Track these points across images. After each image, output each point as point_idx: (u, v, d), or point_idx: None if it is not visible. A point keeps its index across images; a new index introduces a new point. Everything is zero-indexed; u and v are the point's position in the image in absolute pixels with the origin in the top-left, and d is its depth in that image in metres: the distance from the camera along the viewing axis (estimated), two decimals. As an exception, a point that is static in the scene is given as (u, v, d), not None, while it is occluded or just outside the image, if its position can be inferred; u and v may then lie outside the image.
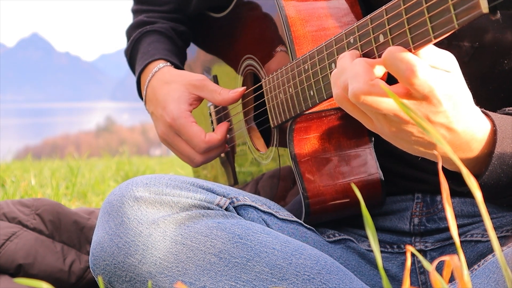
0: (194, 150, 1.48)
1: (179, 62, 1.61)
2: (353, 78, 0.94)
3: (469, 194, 1.25)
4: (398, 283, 1.34)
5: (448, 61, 0.93)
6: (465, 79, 0.96)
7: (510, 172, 1.04)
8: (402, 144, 1.00)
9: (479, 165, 1.04)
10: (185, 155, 1.50)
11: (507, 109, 1.15)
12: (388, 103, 0.92)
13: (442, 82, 0.91)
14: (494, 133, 1.01)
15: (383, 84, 0.91)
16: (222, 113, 1.63)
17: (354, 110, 0.99)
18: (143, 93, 1.58)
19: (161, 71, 1.54)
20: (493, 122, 1.02)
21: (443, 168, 0.83)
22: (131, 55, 1.66)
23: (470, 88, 0.97)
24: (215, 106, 1.65)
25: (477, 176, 1.05)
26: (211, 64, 1.70)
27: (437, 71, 0.91)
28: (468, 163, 1.03)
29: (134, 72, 1.65)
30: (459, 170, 1.04)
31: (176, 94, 1.48)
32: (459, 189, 1.07)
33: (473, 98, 0.99)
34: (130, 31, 1.68)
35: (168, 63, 1.56)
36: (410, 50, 0.91)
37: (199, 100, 1.51)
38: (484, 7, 0.80)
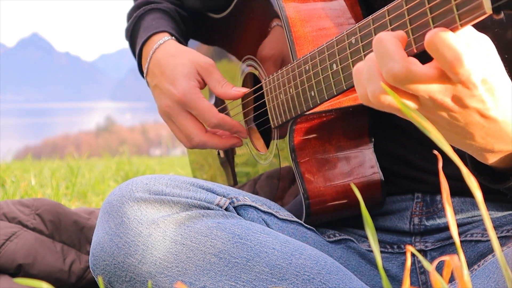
0: (200, 127, 1.45)
1: (183, 42, 1.56)
2: (386, 57, 0.86)
3: (467, 192, 1.24)
4: (398, 283, 1.34)
5: (485, 43, 0.88)
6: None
7: None
8: (440, 131, 0.93)
9: None
10: (188, 131, 1.46)
11: None
12: (427, 83, 0.85)
13: (480, 66, 0.85)
14: None
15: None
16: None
17: (385, 108, 0.92)
18: (145, 65, 1.52)
19: (167, 44, 1.50)
20: None
21: (443, 168, 0.81)
22: (133, 32, 1.59)
23: None
24: (215, 106, 1.65)
25: None
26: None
27: (478, 55, 0.85)
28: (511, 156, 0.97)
29: (134, 50, 1.59)
30: (496, 163, 0.99)
31: (185, 70, 1.45)
32: (493, 186, 1.03)
33: None
34: (131, 12, 1.62)
35: (173, 38, 1.52)
36: (412, 51, 0.90)
37: (203, 83, 1.48)
38: (488, 8, 0.79)
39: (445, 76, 0.85)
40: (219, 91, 1.44)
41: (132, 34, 1.60)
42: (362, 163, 1.33)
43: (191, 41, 1.73)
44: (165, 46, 1.49)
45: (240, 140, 1.49)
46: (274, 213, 1.31)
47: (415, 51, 0.90)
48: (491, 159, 0.98)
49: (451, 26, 0.84)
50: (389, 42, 0.87)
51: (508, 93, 0.89)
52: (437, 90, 0.86)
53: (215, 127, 1.44)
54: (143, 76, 1.56)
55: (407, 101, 0.89)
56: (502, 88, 0.88)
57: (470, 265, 1.26)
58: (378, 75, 0.88)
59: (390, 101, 0.88)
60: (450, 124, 0.91)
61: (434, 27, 0.86)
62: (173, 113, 1.46)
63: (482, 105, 0.87)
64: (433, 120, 0.91)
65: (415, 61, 0.86)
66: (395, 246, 1.36)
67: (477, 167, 1.05)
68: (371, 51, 0.99)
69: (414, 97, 0.88)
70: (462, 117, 0.89)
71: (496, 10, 0.79)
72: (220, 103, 1.62)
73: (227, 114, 1.60)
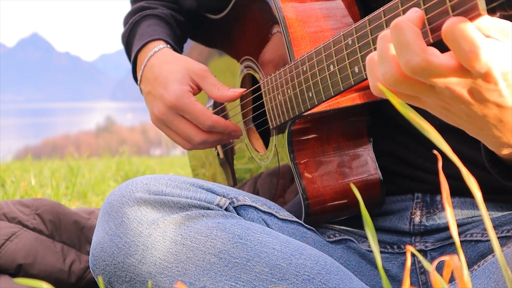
0: (197, 128, 1.46)
1: (178, 50, 1.58)
2: (405, 47, 0.83)
3: (467, 192, 1.24)
4: (398, 283, 1.34)
5: (507, 29, 0.84)
6: None
7: None
8: (455, 120, 0.92)
9: None
10: (185, 134, 1.47)
11: None
12: (446, 75, 0.83)
13: (500, 59, 0.82)
14: None
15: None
16: (220, 114, 1.63)
17: (397, 94, 0.89)
18: (139, 73, 1.53)
19: (161, 51, 1.51)
20: None
21: (443, 168, 0.81)
22: (129, 37, 1.61)
23: None
24: (214, 107, 1.65)
25: None
26: (208, 65, 1.70)
27: (497, 47, 0.82)
28: None
29: (129, 56, 1.60)
30: (508, 156, 0.98)
31: (178, 75, 1.45)
32: (504, 181, 1.03)
33: None
34: (128, 18, 1.63)
35: (168, 45, 1.53)
36: None
37: (198, 89, 1.49)
38: (482, 9, 0.79)
39: (465, 69, 0.82)
40: (216, 94, 1.45)
41: (128, 40, 1.61)
42: (361, 163, 1.33)
43: (189, 42, 1.73)
44: (159, 54, 1.50)
45: (239, 129, 1.50)
46: (274, 213, 1.31)
47: None
48: (505, 152, 0.97)
49: None
50: (408, 31, 0.83)
51: None
52: (455, 82, 0.83)
53: (209, 129, 1.45)
54: (137, 83, 1.56)
55: (424, 91, 0.86)
56: None
57: (470, 265, 1.26)
58: (392, 59, 0.85)
59: (401, 89, 0.86)
60: (467, 116, 0.89)
61: (430, 28, 0.86)
62: (168, 119, 1.47)
63: (502, 100, 0.85)
64: (450, 110, 0.89)
65: (434, 51, 0.83)
66: (395, 246, 1.36)
67: (492, 159, 1.04)
68: (368, 51, 0.99)
69: (431, 87, 0.86)
70: (480, 109, 0.86)
71: (491, 11, 0.79)
72: (219, 105, 1.62)
73: (226, 115, 1.60)
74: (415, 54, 0.82)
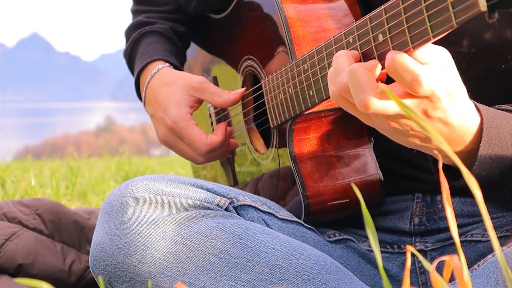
0: (196, 152, 1.48)
1: (178, 63, 1.60)
2: (358, 88, 0.94)
3: (467, 192, 1.25)
4: (398, 283, 1.33)
5: (444, 57, 0.94)
6: (463, 84, 0.97)
7: (501, 162, 1.05)
8: (398, 137, 1.01)
9: (471, 158, 1.05)
10: (187, 156, 1.51)
11: (497, 106, 1.16)
12: (395, 106, 0.93)
13: (442, 81, 0.91)
14: (481, 124, 1.03)
15: (388, 89, 0.92)
16: (222, 114, 1.63)
17: (351, 107, 1.00)
18: (143, 94, 1.58)
19: (160, 72, 1.54)
20: (480, 112, 1.03)
21: (442, 166, 0.85)
22: (130, 56, 1.65)
23: (468, 92, 0.98)
24: (215, 107, 1.65)
25: (467, 168, 1.05)
26: (211, 65, 1.70)
27: (437, 71, 0.91)
28: (461, 156, 1.04)
29: (133, 73, 1.64)
30: (452, 163, 1.05)
31: (177, 97, 1.49)
32: (451, 183, 1.07)
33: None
34: (129, 32, 1.68)
35: (167, 64, 1.56)
36: (409, 50, 0.91)
37: (200, 102, 1.51)
38: (483, 5, 0.80)
39: (410, 94, 0.92)
40: (218, 102, 1.47)
41: (130, 59, 1.66)
42: (362, 163, 1.33)
43: (194, 46, 1.74)
44: (158, 75, 1.54)
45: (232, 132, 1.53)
46: (274, 213, 1.31)
47: (412, 50, 0.90)
48: (445, 160, 1.05)
49: (447, 24, 0.85)
50: (362, 75, 0.93)
51: (464, 99, 0.97)
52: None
53: (207, 154, 1.48)
54: (141, 100, 1.61)
55: (375, 115, 0.96)
56: (460, 97, 0.95)
57: (470, 265, 1.26)
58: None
59: (379, 109, 0.94)
60: (413, 135, 0.98)
61: (430, 26, 0.87)
62: (170, 141, 1.51)
63: (444, 114, 0.95)
64: (397, 129, 0.98)
65: (383, 86, 0.93)
66: (395, 246, 1.36)
67: (435, 162, 1.09)
68: (368, 49, 1.00)
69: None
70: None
71: (491, 8, 0.80)
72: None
73: (227, 115, 1.60)
74: (368, 93, 0.93)
